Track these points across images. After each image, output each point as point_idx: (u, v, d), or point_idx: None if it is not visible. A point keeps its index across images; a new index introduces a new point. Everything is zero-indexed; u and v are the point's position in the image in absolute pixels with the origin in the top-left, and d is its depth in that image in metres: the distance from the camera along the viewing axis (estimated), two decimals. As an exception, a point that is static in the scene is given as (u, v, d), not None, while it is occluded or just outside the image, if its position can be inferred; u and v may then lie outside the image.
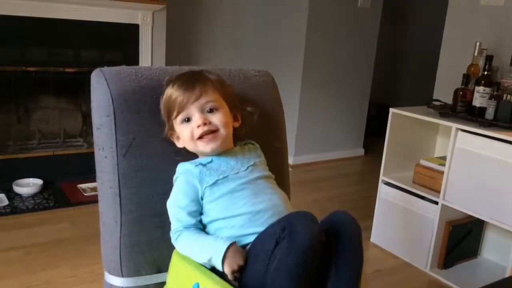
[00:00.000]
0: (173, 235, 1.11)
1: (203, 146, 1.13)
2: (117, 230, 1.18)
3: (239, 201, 1.10)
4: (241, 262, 1.00)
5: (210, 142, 1.12)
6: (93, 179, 1.28)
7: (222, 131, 1.13)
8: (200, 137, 1.12)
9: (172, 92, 1.14)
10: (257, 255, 0.99)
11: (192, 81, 1.14)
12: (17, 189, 2.74)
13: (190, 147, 1.16)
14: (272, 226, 1.00)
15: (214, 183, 1.11)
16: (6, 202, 2.61)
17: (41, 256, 2.16)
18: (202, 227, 1.11)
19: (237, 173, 1.13)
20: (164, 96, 1.16)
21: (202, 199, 1.12)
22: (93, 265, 2.07)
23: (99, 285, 1.31)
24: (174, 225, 1.11)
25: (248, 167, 1.16)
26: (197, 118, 1.12)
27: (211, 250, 1.03)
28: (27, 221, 2.47)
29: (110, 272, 1.22)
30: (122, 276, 1.20)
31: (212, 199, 1.11)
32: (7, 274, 2.00)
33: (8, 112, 2.90)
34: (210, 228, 1.12)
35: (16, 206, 2.60)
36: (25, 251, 2.19)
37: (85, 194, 2.79)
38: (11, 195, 2.71)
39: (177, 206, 1.11)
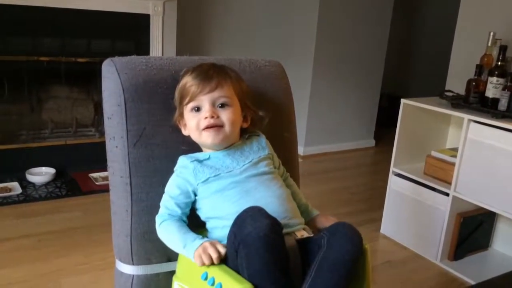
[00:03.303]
0: (158, 219, 1.14)
1: (205, 138, 1.14)
2: (128, 218, 1.19)
3: (228, 200, 1.11)
4: (215, 254, 1.01)
5: (212, 135, 1.13)
6: (104, 168, 1.29)
7: (227, 128, 1.14)
8: (205, 128, 1.13)
9: (188, 80, 1.15)
10: (232, 264, 1.00)
11: (211, 73, 1.15)
12: (30, 177, 2.77)
13: (194, 136, 1.17)
14: (228, 234, 1.01)
15: (206, 180, 1.12)
16: (19, 190, 2.65)
17: (54, 243, 2.19)
18: (187, 220, 1.14)
19: (231, 171, 1.14)
20: (181, 83, 1.18)
21: (196, 194, 1.14)
22: (105, 253, 2.10)
23: (110, 272, 1.33)
24: (161, 211, 1.15)
25: (243, 165, 1.15)
26: (206, 110, 1.13)
27: (185, 241, 1.06)
28: (40, 209, 2.51)
29: (121, 260, 1.23)
30: (133, 264, 1.21)
31: (204, 196, 1.13)
32: (21, 261, 2.03)
33: (21, 101, 2.92)
34: (207, 225, 1.15)
35: (29, 194, 2.64)
36: (38, 239, 2.22)
37: (97, 183, 2.82)
38: (24, 183, 2.74)
39: (168, 195, 1.14)
